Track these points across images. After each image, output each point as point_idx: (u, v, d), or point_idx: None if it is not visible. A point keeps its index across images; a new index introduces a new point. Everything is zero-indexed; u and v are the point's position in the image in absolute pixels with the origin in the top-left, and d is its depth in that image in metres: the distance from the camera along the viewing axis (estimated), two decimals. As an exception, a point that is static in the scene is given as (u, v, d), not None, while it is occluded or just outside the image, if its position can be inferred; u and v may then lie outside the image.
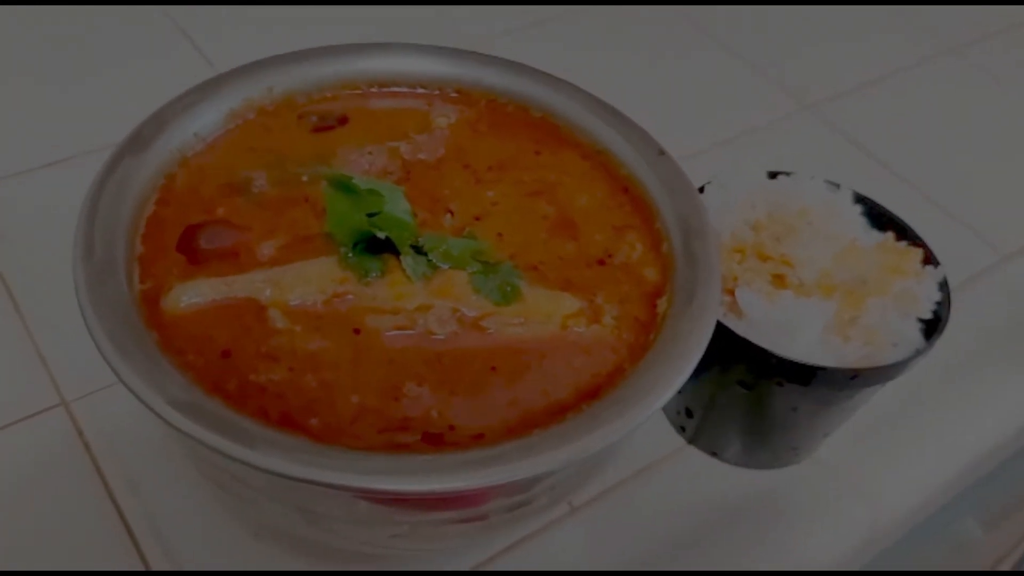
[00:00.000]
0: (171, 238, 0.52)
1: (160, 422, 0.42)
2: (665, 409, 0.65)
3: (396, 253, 0.51)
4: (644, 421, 0.45)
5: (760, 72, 0.99)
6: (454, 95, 0.63)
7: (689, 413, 0.62)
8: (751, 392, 0.56)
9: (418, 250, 0.51)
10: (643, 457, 0.63)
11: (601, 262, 0.54)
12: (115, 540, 0.55)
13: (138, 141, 0.54)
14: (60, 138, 0.79)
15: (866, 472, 0.63)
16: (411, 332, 0.49)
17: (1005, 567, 0.90)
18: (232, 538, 0.57)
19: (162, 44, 0.92)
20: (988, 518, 0.81)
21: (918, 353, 0.53)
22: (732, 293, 0.54)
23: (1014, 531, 0.89)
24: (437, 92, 0.63)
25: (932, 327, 0.55)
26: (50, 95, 0.84)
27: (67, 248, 0.63)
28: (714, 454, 0.63)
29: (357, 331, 0.48)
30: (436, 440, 0.44)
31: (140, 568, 0.55)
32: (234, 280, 0.50)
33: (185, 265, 0.50)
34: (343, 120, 0.60)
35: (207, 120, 0.57)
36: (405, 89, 0.63)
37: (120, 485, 0.58)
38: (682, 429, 0.64)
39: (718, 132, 0.90)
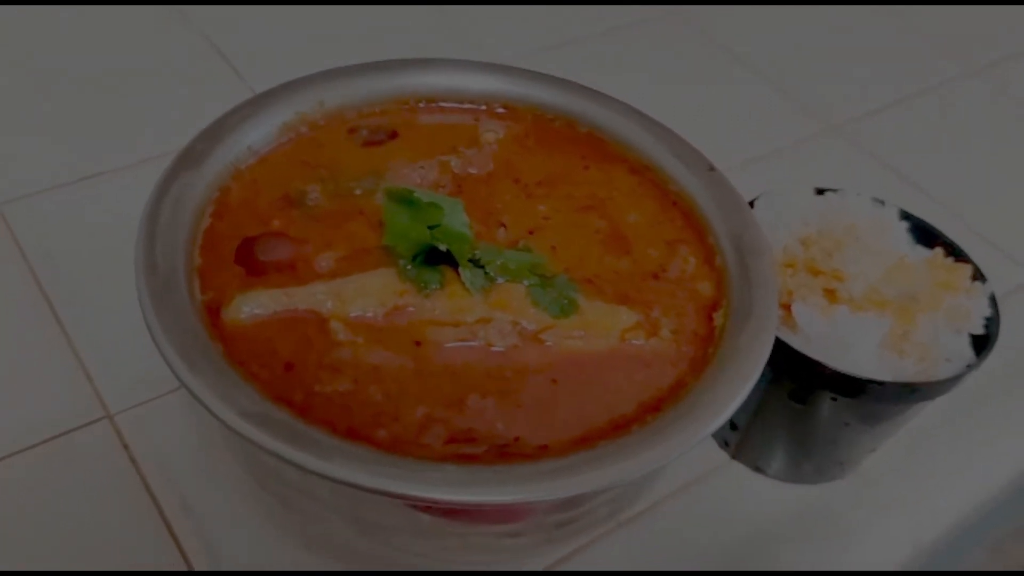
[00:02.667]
0: (228, 250, 0.52)
1: (219, 434, 0.42)
2: (710, 424, 0.65)
3: (453, 266, 0.51)
4: (709, 434, 0.45)
5: (786, 93, 0.99)
6: (501, 111, 0.63)
7: (733, 426, 0.62)
8: (803, 406, 0.56)
9: (476, 263, 0.51)
10: (686, 472, 0.63)
11: (655, 276, 0.54)
12: (165, 555, 0.55)
13: (192, 155, 0.54)
14: (92, 154, 0.80)
15: (910, 488, 0.64)
16: (472, 344, 0.49)
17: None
18: (283, 550, 0.56)
19: (198, 59, 0.92)
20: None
21: (970, 368, 0.54)
22: (787, 307, 0.54)
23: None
24: (484, 108, 0.63)
25: (981, 342, 0.55)
26: (83, 110, 0.84)
27: (104, 260, 0.63)
28: (758, 469, 0.63)
29: (418, 343, 0.48)
30: (502, 452, 0.44)
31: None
32: (294, 292, 0.50)
33: (244, 277, 0.50)
34: (393, 135, 0.61)
35: (260, 134, 0.58)
36: (453, 104, 0.63)
37: (170, 501, 0.57)
38: (725, 443, 0.64)
39: (744, 152, 0.90)
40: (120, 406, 0.62)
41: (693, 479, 0.63)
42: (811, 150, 0.94)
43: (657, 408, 0.47)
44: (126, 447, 0.60)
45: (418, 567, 0.57)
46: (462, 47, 0.98)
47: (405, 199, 0.51)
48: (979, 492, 0.64)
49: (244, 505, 0.57)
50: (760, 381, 0.56)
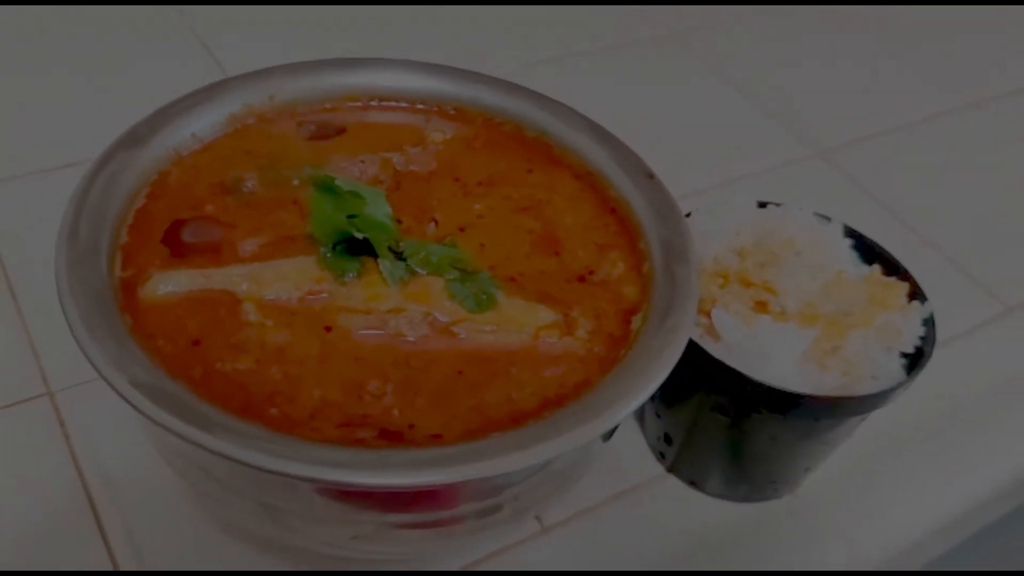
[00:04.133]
0: (158, 231, 0.53)
1: (137, 415, 0.42)
2: (646, 434, 0.64)
3: (375, 256, 0.51)
4: (603, 433, 0.45)
5: (773, 115, 0.99)
6: (452, 112, 0.64)
7: (668, 439, 0.61)
8: (729, 419, 0.55)
9: (398, 255, 0.51)
10: (620, 481, 0.63)
11: (581, 278, 0.54)
12: (86, 536, 0.56)
13: (135, 137, 0.56)
14: (67, 141, 0.81)
15: (846, 512, 0.62)
16: (382, 332, 0.49)
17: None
18: (202, 536, 0.57)
19: (178, 50, 0.94)
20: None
21: (898, 385, 0.52)
22: (710, 315, 0.54)
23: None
24: (436, 109, 0.64)
25: (915, 361, 0.54)
26: (64, 98, 0.87)
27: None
28: (693, 484, 0.62)
29: (328, 329, 0.49)
30: (394, 437, 0.44)
31: (108, 568, 0.55)
32: (212, 273, 0.50)
33: (168, 257, 0.51)
34: (341, 131, 0.61)
35: (206, 122, 0.59)
36: (404, 104, 0.64)
37: (95, 479, 0.58)
38: (662, 456, 0.63)
39: (725, 172, 0.90)
40: (61, 384, 0.63)
41: (625, 489, 0.62)
42: (796, 175, 0.93)
43: (559, 404, 0.47)
44: (62, 424, 0.61)
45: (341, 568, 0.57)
46: (448, 60, 0.99)
47: (327, 187, 0.51)
48: (917, 522, 0.62)
49: (165, 485, 0.57)
50: (691, 394, 0.56)
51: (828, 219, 0.60)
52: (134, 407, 0.42)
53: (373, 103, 0.63)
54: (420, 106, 0.64)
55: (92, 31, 0.96)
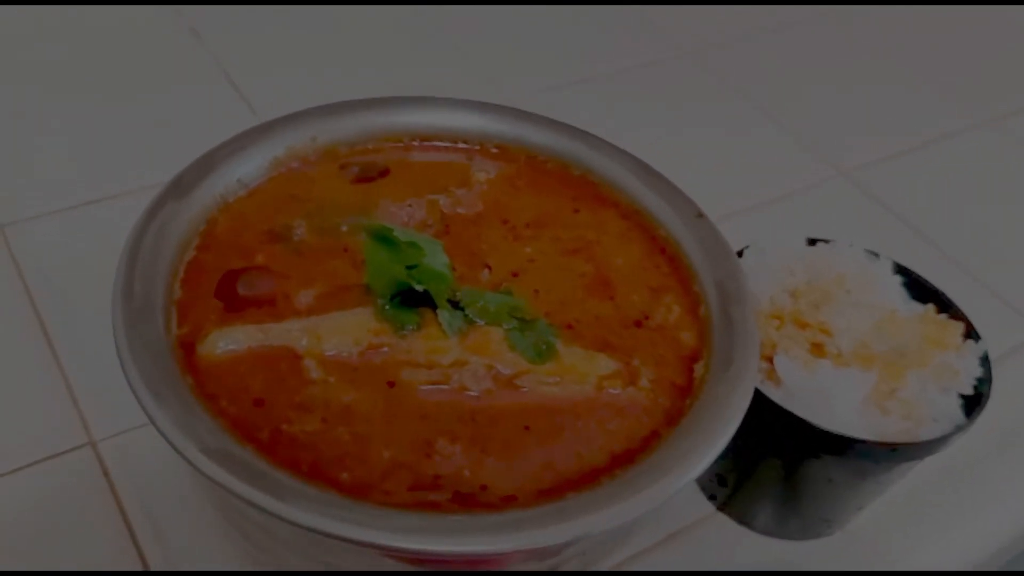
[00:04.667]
0: (210, 283, 0.52)
1: (190, 468, 0.41)
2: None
3: (432, 307, 0.51)
4: (679, 489, 0.45)
5: (797, 138, 0.99)
6: (494, 151, 0.63)
7: (722, 481, 0.61)
8: (787, 462, 0.55)
9: (455, 304, 0.51)
10: (671, 523, 0.62)
11: (638, 323, 0.54)
12: (136, 585, 0.55)
13: (181, 185, 0.55)
14: (99, 177, 0.80)
15: (897, 546, 0.62)
16: (445, 388, 0.48)
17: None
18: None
19: (203, 85, 0.93)
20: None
21: (958, 429, 0.52)
22: (770, 360, 0.54)
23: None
24: (478, 147, 0.63)
25: (972, 402, 0.54)
26: (90, 135, 0.85)
27: (104, 288, 0.63)
28: (744, 523, 0.62)
29: (391, 384, 0.48)
30: (467, 500, 0.44)
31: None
32: (271, 328, 0.49)
33: (222, 311, 0.50)
34: (384, 172, 0.61)
35: (250, 167, 0.58)
36: (447, 143, 0.63)
37: (144, 530, 0.57)
38: (713, 497, 0.62)
39: (753, 197, 0.89)
40: (103, 433, 0.62)
41: (677, 531, 0.62)
42: (820, 196, 0.93)
43: (630, 459, 0.46)
44: (106, 474, 0.60)
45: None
46: (470, 84, 0.98)
47: (385, 238, 0.51)
48: (967, 557, 0.62)
49: (216, 540, 0.57)
50: (747, 435, 0.56)
51: (877, 255, 0.60)
52: (206, 476, 0.41)
53: (415, 143, 0.63)
54: (462, 144, 0.63)
55: (114, 64, 0.95)
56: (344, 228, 0.56)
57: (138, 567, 0.56)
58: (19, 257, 0.73)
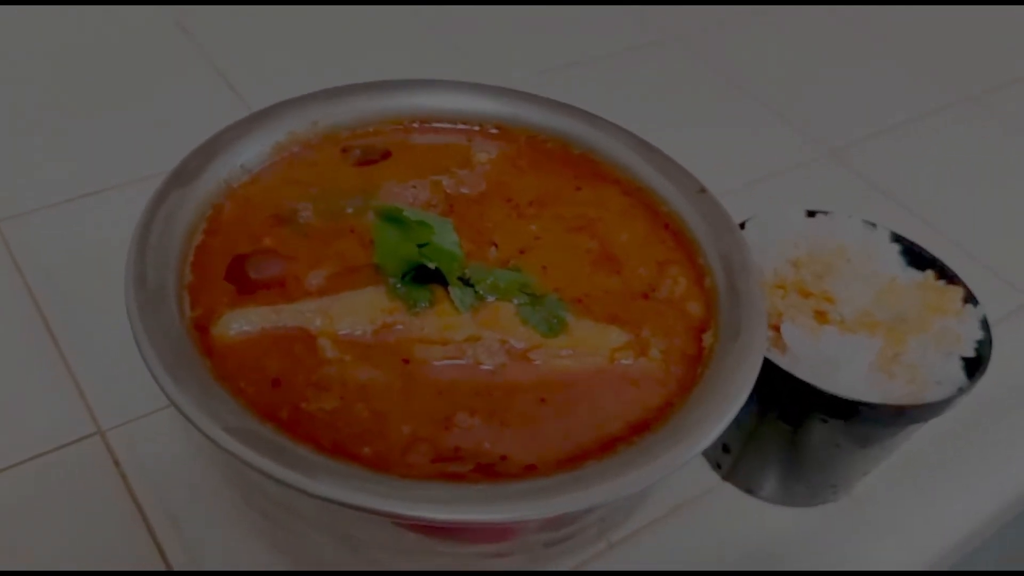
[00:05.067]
0: (219, 267, 0.52)
1: (207, 450, 0.42)
2: (702, 446, 0.64)
3: (443, 284, 0.51)
4: (696, 455, 0.45)
5: (786, 118, 1.00)
6: (494, 131, 0.63)
7: (726, 448, 0.61)
8: (793, 428, 0.56)
9: (465, 282, 0.51)
10: (678, 494, 0.63)
11: (645, 296, 0.54)
12: (153, 571, 0.55)
13: (186, 172, 0.55)
14: (93, 170, 0.80)
15: (902, 511, 0.63)
16: (460, 362, 0.49)
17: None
18: (269, 567, 0.56)
19: (195, 80, 0.93)
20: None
21: (962, 391, 0.53)
22: (777, 328, 0.54)
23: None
24: (477, 128, 0.63)
25: (973, 365, 0.55)
26: (83, 127, 0.85)
27: (102, 278, 0.63)
28: (750, 491, 0.63)
29: (406, 361, 0.48)
30: (489, 471, 0.44)
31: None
32: (283, 309, 0.50)
33: (234, 294, 0.51)
34: (386, 154, 0.61)
35: (253, 152, 0.58)
36: (446, 125, 0.63)
37: (158, 516, 0.57)
38: (718, 465, 0.63)
39: (746, 175, 0.90)
40: (111, 422, 0.62)
41: (684, 501, 0.63)
42: (810, 174, 0.94)
43: (645, 428, 0.47)
44: (117, 463, 0.60)
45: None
46: (465, 67, 0.99)
47: (394, 218, 0.51)
48: (972, 517, 0.63)
49: (232, 522, 0.57)
50: (752, 403, 0.56)
51: (874, 225, 0.61)
52: (232, 454, 0.41)
53: (415, 125, 0.63)
54: (462, 126, 0.64)
55: (105, 61, 0.94)
56: (349, 210, 0.56)
57: (153, 553, 0.55)
58: (16, 252, 0.72)
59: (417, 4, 1.07)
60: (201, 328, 0.48)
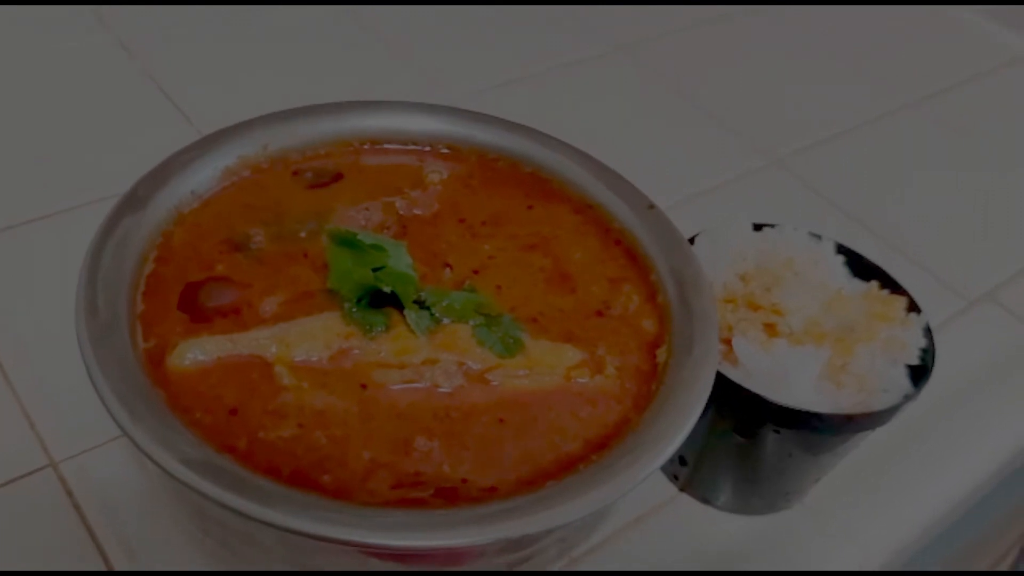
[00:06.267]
0: (172, 295, 0.52)
1: (163, 479, 0.41)
2: (658, 458, 0.65)
3: (398, 307, 0.51)
4: (655, 470, 0.46)
5: (729, 127, 1.01)
6: (445, 151, 0.64)
7: (683, 461, 0.62)
8: (747, 439, 0.57)
9: (421, 304, 0.52)
10: (636, 506, 0.64)
11: (599, 314, 0.55)
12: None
13: (136, 199, 0.54)
14: (38, 195, 0.79)
15: (854, 516, 0.65)
16: (418, 386, 0.49)
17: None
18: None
19: (137, 99, 0.92)
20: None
21: (907, 398, 0.55)
22: (728, 342, 0.55)
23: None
24: (428, 148, 0.64)
25: (918, 372, 0.57)
26: (27, 150, 0.84)
27: (52, 305, 0.62)
28: (707, 501, 0.64)
29: (364, 386, 0.49)
30: (450, 494, 0.45)
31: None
32: (238, 337, 0.49)
33: (188, 323, 0.50)
34: (337, 177, 0.61)
35: (202, 177, 0.58)
36: (397, 146, 0.64)
37: (113, 547, 0.56)
38: (675, 477, 0.64)
39: (691, 186, 0.92)
40: (64, 453, 0.61)
41: (643, 513, 0.63)
42: (754, 184, 0.95)
43: (603, 445, 0.48)
44: (70, 494, 0.59)
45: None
46: (411, 86, 0.99)
47: (348, 241, 0.51)
48: (922, 518, 0.65)
49: (189, 552, 0.56)
50: (706, 415, 0.57)
51: (819, 237, 0.62)
52: (189, 487, 0.41)
53: (365, 146, 0.63)
54: (413, 147, 0.64)
55: (38, 79, 0.93)
56: (303, 234, 0.56)
57: (110, 586, 0.55)
58: (-42, 281, 0.71)
59: (358, 25, 1.07)
60: (155, 359, 0.48)
